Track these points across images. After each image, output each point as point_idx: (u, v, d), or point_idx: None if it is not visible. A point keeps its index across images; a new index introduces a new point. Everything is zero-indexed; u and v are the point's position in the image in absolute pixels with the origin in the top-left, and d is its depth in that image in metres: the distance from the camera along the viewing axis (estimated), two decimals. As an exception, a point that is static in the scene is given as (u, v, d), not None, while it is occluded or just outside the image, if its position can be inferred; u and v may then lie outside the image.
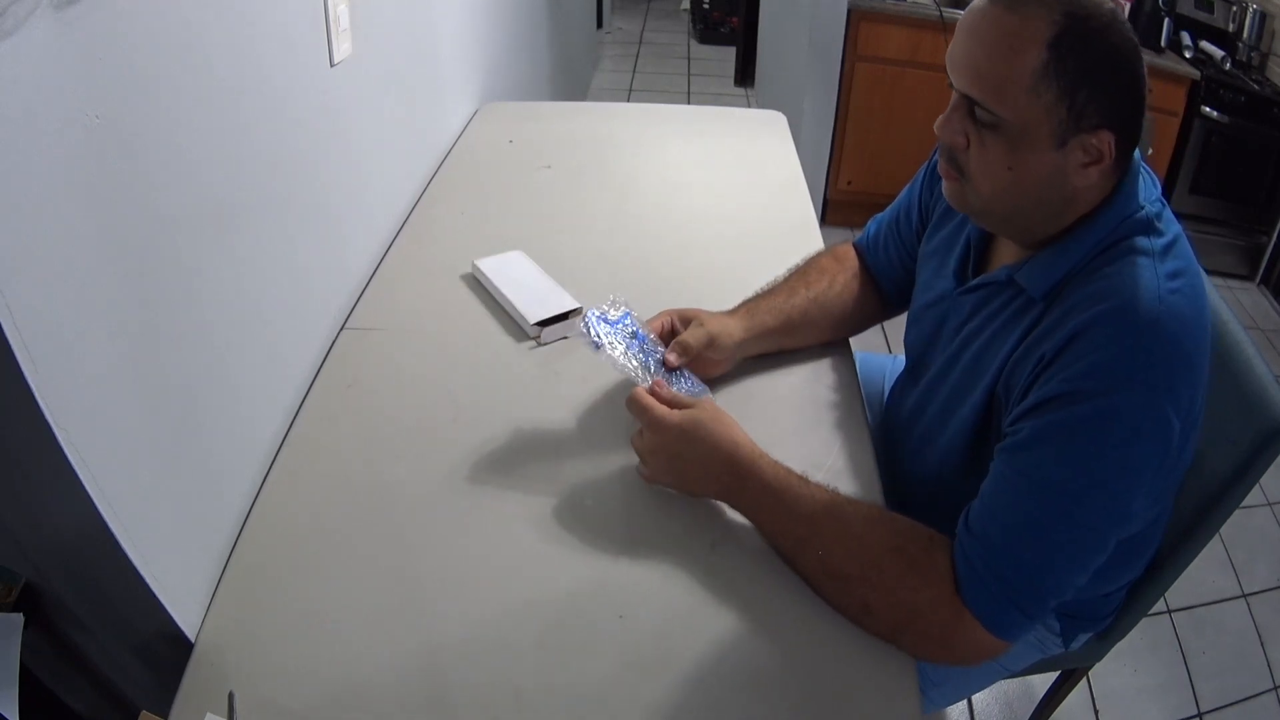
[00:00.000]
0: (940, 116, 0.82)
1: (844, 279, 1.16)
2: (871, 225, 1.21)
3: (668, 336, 1.04)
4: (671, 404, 0.91)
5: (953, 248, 0.99)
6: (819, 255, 1.21)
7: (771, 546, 0.86)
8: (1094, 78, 0.74)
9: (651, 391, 0.92)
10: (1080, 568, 0.77)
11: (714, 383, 1.08)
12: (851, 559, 0.79)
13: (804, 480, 0.85)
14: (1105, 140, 0.76)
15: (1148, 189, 0.82)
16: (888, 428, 1.16)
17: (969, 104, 0.79)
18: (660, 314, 1.06)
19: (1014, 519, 0.76)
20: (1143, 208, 0.80)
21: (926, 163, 1.10)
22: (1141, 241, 0.79)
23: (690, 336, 1.02)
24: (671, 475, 0.90)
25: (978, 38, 0.77)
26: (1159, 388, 0.73)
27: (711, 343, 1.03)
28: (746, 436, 0.88)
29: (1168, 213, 0.83)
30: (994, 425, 0.87)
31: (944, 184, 0.87)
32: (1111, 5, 0.75)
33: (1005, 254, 0.92)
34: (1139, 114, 0.78)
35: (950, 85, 0.81)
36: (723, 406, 1.05)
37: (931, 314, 1.01)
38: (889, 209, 1.18)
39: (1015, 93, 0.75)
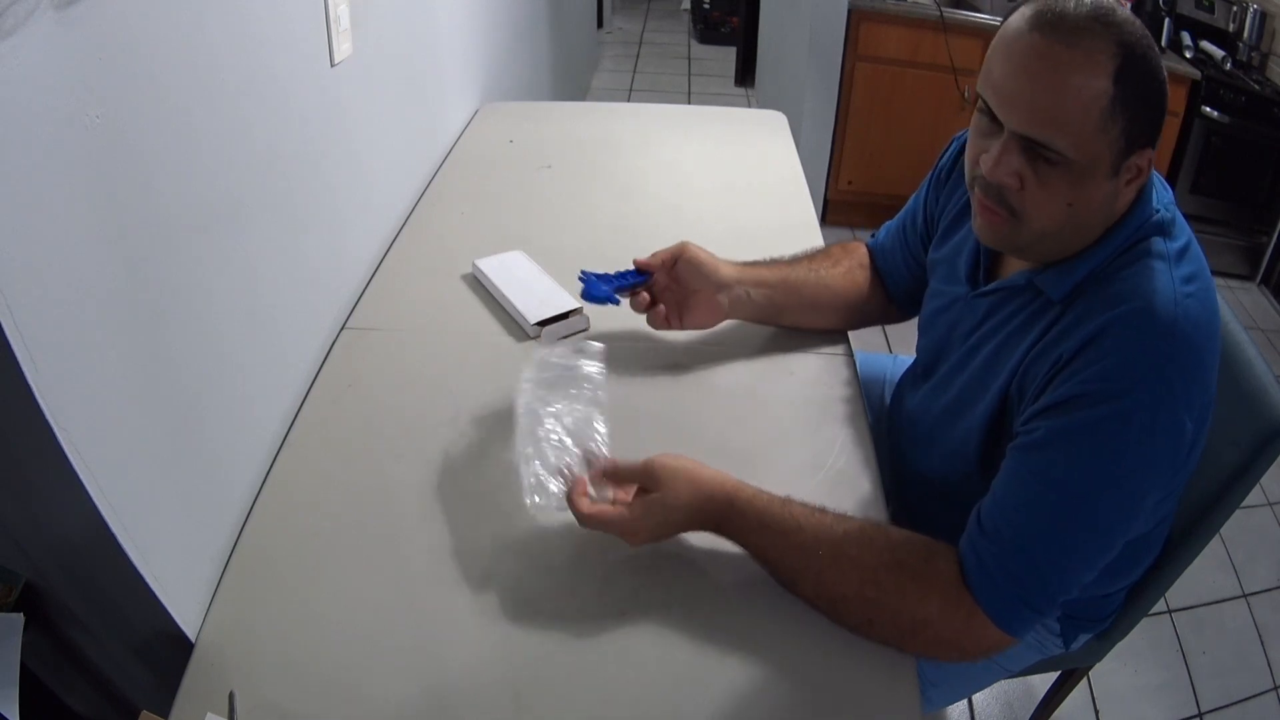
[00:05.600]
0: (987, 156, 0.77)
1: (849, 265, 1.16)
2: (882, 230, 1.21)
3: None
4: (619, 474, 0.85)
5: (962, 252, 0.98)
6: (830, 245, 1.23)
7: (769, 574, 0.84)
8: (1147, 102, 0.73)
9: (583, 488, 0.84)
10: (1090, 566, 0.77)
11: (714, 382, 1.08)
12: (848, 581, 0.78)
13: (788, 507, 0.82)
14: (1146, 157, 0.76)
15: (1160, 193, 0.82)
16: (894, 427, 1.16)
17: (1027, 144, 0.75)
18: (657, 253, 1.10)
19: (1027, 518, 0.76)
20: (1158, 211, 0.80)
21: (933, 170, 1.09)
22: (1158, 244, 0.79)
23: (654, 254, 1.08)
24: (664, 537, 0.86)
25: (1035, 76, 0.72)
26: (1174, 391, 0.73)
27: (681, 259, 1.07)
28: (712, 475, 0.84)
29: (1180, 217, 0.83)
30: (1006, 424, 0.87)
31: (982, 222, 0.83)
32: (1140, 21, 0.74)
33: (1018, 260, 0.91)
34: (1164, 122, 0.77)
35: (983, 114, 0.78)
36: (724, 406, 1.06)
37: (944, 318, 1.01)
38: (898, 215, 1.18)
39: (1085, 132, 0.72)
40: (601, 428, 0.88)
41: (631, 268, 1.09)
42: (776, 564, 0.83)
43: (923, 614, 0.77)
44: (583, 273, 1.07)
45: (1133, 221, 0.80)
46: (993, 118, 0.77)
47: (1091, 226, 0.80)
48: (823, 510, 0.83)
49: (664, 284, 1.09)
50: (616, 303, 1.06)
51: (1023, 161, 0.76)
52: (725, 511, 0.83)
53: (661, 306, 1.09)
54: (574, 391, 0.91)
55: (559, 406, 0.89)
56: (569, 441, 0.86)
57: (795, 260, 1.16)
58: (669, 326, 1.10)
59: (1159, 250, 0.78)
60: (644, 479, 0.84)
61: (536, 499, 0.83)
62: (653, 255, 1.08)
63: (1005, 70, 0.75)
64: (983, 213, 0.82)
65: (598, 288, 1.06)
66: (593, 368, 0.93)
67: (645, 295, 1.08)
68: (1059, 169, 0.75)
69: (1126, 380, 0.73)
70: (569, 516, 0.91)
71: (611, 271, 1.08)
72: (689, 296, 1.08)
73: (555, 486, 0.83)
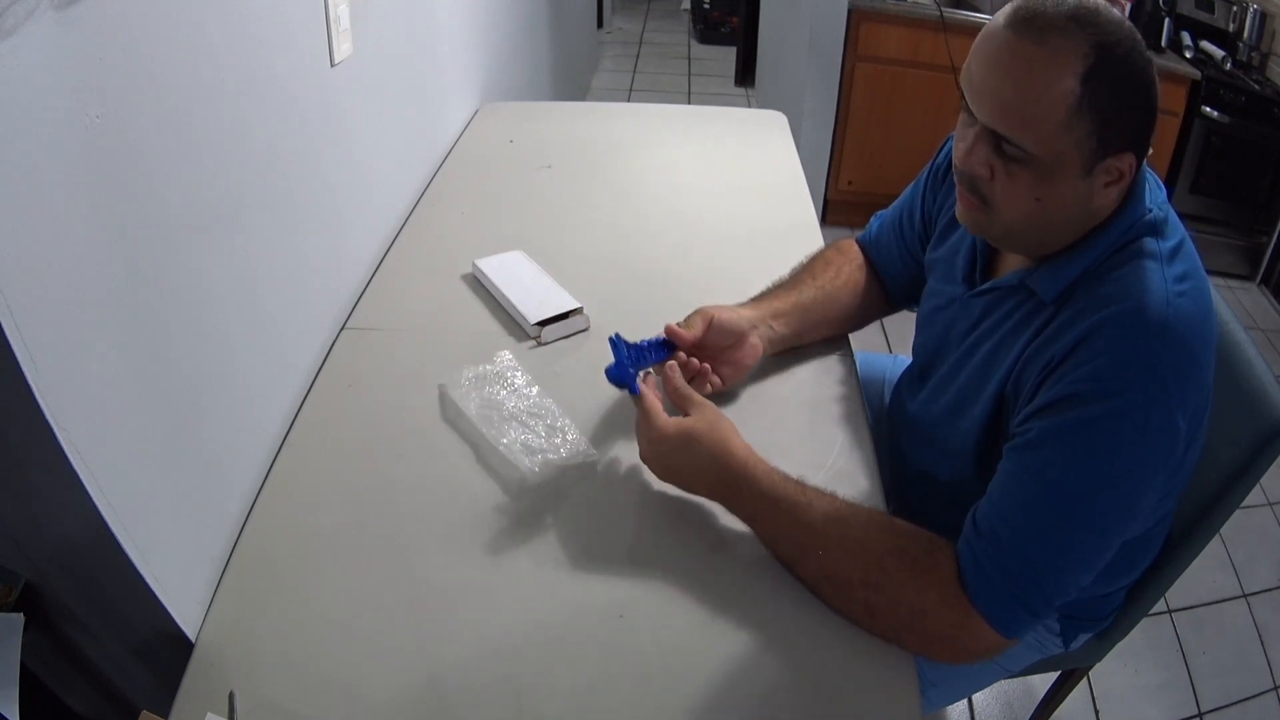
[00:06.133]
0: (962, 145, 0.80)
1: (849, 270, 1.16)
2: (874, 222, 1.21)
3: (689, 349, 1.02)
4: (680, 397, 0.91)
5: (959, 252, 0.99)
6: (824, 250, 1.22)
7: (771, 553, 0.85)
8: (1122, 106, 0.73)
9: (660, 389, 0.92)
10: (1087, 567, 0.77)
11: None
12: (853, 562, 0.79)
13: (801, 487, 0.84)
14: (1127, 162, 0.76)
15: (1153, 192, 0.82)
16: (893, 427, 1.16)
17: (995, 137, 0.77)
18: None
19: (1023, 519, 0.76)
20: (1150, 210, 0.80)
21: (930, 163, 1.09)
22: (1150, 244, 0.79)
23: (687, 325, 1.01)
24: (667, 477, 0.91)
25: (1004, 72, 0.74)
26: (1167, 390, 0.73)
27: (712, 325, 1.01)
28: (743, 445, 0.87)
29: (1173, 215, 0.83)
30: (1003, 425, 0.87)
31: (961, 208, 0.85)
32: (1129, 24, 0.74)
33: (1014, 258, 0.92)
34: (1154, 127, 0.77)
35: (964, 105, 0.79)
36: (724, 407, 1.05)
37: (941, 317, 1.01)
38: (892, 207, 1.18)
39: (1048, 130, 0.73)
40: (555, 405, 1.01)
41: (659, 335, 1.00)
42: (783, 540, 0.83)
43: (920, 604, 0.77)
44: (615, 337, 0.96)
45: (1123, 222, 0.80)
46: (972, 110, 0.79)
47: (1066, 223, 0.81)
48: (833, 495, 0.84)
49: (685, 357, 1.02)
50: (636, 393, 0.93)
51: (992, 153, 0.78)
52: (741, 478, 0.85)
53: (708, 368, 1.03)
54: (504, 390, 1.04)
55: (503, 395, 1.03)
56: (529, 416, 1.00)
57: (798, 280, 1.15)
58: (711, 392, 1.04)
59: (1151, 250, 0.78)
60: (695, 408, 0.89)
61: (535, 468, 0.93)
62: (685, 329, 1.01)
63: (979, 66, 0.76)
64: (960, 199, 0.85)
65: (624, 370, 0.94)
66: (513, 372, 1.06)
67: (677, 373, 0.95)
68: (1024, 164, 0.76)
69: (1118, 380, 0.73)
70: (567, 515, 0.91)
71: (639, 339, 0.98)
72: (719, 354, 1.04)
73: (530, 455, 0.94)
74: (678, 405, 0.92)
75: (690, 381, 0.99)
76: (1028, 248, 0.86)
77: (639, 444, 0.91)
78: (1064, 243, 0.83)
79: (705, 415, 0.89)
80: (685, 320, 1.03)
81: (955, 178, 0.84)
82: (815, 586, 0.82)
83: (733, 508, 0.87)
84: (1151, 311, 0.74)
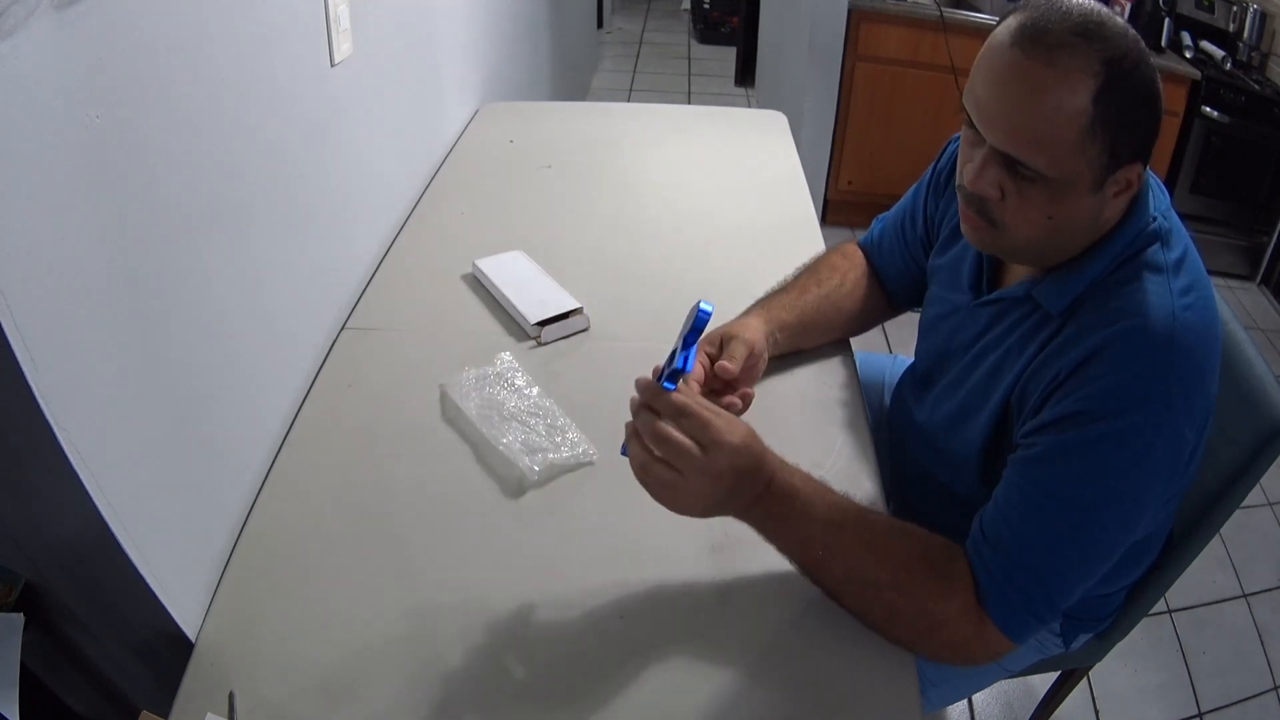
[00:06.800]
0: (970, 166, 0.78)
1: (854, 277, 1.16)
2: (876, 225, 1.21)
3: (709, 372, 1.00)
4: (687, 408, 0.74)
5: (964, 260, 0.98)
6: (829, 253, 1.21)
7: (789, 557, 0.81)
8: (1132, 119, 0.72)
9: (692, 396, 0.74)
10: (1092, 575, 0.78)
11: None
12: (881, 565, 0.78)
13: (828, 488, 0.81)
14: (1136, 171, 0.76)
15: (1157, 198, 0.82)
16: (894, 429, 1.16)
17: (1006, 158, 0.75)
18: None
19: (1031, 531, 0.77)
20: (1154, 219, 0.80)
21: (931, 166, 1.09)
22: (1156, 256, 0.78)
23: (732, 357, 0.98)
24: (704, 497, 0.75)
25: (1013, 94, 0.72)
26: (1174, 405, 0.73)
27: (751, 353, 1.01)
28: (763, 446, 0.78)
29: (1177, 222, 0.82)
30: (1007, 434, 0.88)
31: (967, 228, 0.84)
32: (1134, 33, 0.73)
33: (1021, 267, 0.91)
34: (1159, 133, 0.76)
35: (967, 122, 0.78)
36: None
37: (945, 325, 1.01)
38: (893, 210, 1.17)
39: (1061, 151, 0.72)
40: (555, 406, 1.01)
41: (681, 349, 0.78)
42: (808, 541, 0.79)
43: (942, 613, 0.77)
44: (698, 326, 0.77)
45: (1128, 232, 0.79)
46: (978, 129, 0.77)
47: (1077, 234, 0.80)
48: (849, 497, 0.81)
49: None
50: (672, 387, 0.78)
51: (1003, 174, 0.77)
52: (766, 482, 0.77)
53: (751, 393, 1.00)
54: (505, 391, 1.04)
55: (503, 395, 1.03)
56: (529, 416, 1.00)
57: (803, 286, 1.13)
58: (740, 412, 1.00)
59: (1156, 262, 0.78)
60: (711, 426, 0.73)
61: (535, 467, 0.93)
62: (730, 361, 0.97)
63: (986, 86, 0.75)
64: (965, 219, 0.83)
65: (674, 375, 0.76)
66: (514, 373, 1.07)
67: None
68: (1037, 184, 0.75)
69: (1126, 399, 0.73)
70: (567, 515, 0.91)
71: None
72: (745, 371, 1.01)
73: (530, 454, 0.94)
74: (706, 417, 0.74)
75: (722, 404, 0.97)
76: (1035, 260, 0.85)
77: (684, 476, 0.72)
78: (1072, 253, 0.82)
79: (732, 423, 0.75)
80: (728, 351, 0.99)
81: (961, 198, 0.83)
82: (838, 589, 0.80)
83: (757, 509, 0.78)
84: (1158, 327, 0.74)
